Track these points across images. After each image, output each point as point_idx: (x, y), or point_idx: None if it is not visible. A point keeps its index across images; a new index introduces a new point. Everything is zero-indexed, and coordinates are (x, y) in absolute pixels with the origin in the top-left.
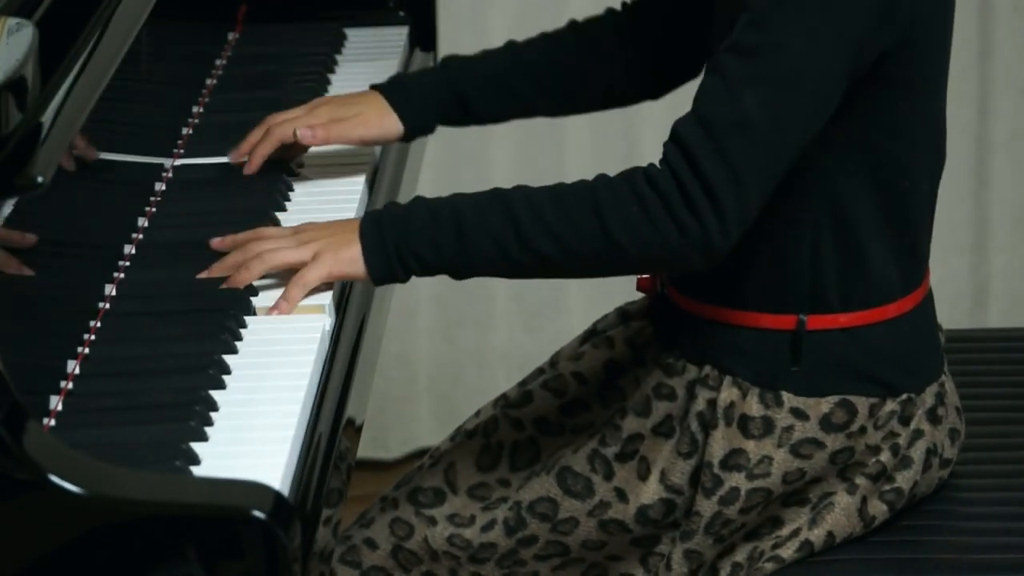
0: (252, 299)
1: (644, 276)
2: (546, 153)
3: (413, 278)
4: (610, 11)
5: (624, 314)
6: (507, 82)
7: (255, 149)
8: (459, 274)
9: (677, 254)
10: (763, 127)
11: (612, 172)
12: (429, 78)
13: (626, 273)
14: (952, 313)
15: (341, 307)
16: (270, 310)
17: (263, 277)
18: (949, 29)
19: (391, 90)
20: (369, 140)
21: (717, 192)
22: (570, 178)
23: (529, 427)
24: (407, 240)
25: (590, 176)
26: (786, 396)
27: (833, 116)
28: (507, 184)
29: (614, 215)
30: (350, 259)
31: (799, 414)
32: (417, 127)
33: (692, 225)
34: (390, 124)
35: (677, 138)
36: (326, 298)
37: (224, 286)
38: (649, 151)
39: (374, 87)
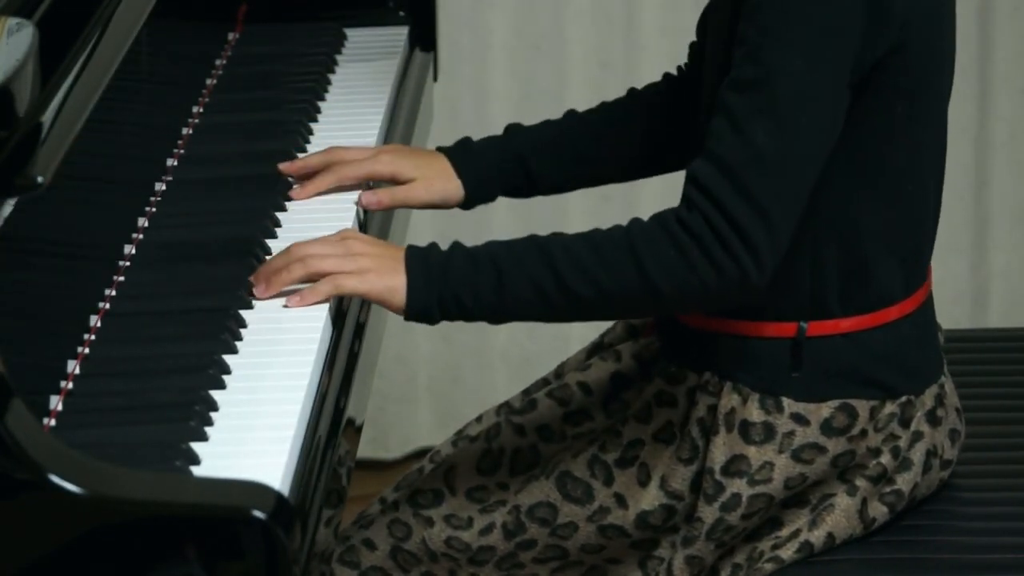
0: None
1: None
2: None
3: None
4: (667, 75)
5: (632, 328)
6: (568, 145)
7: (313, 181)
8: (496, 319)
9: (715, 294)
10: (777, 157)
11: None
12: (494, 145)
13: (665, 313)
14: (952, 313)
15: (341, 307)
16: (288, 298)
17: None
18: (948, 34)
19: (456, 153)
20: (429, 205)
21: (747, 230)
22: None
23: (531, 434)
24: (448, 284)
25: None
26: (787, 402)
27: None
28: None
29: (650, 258)
30: (393, 288)
31: (800, 419)
32: (479, 194)
33: (728, 265)
34: (452, 190)
35: (697, 183)
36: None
37: (258, 291)
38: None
39: (440, 149)
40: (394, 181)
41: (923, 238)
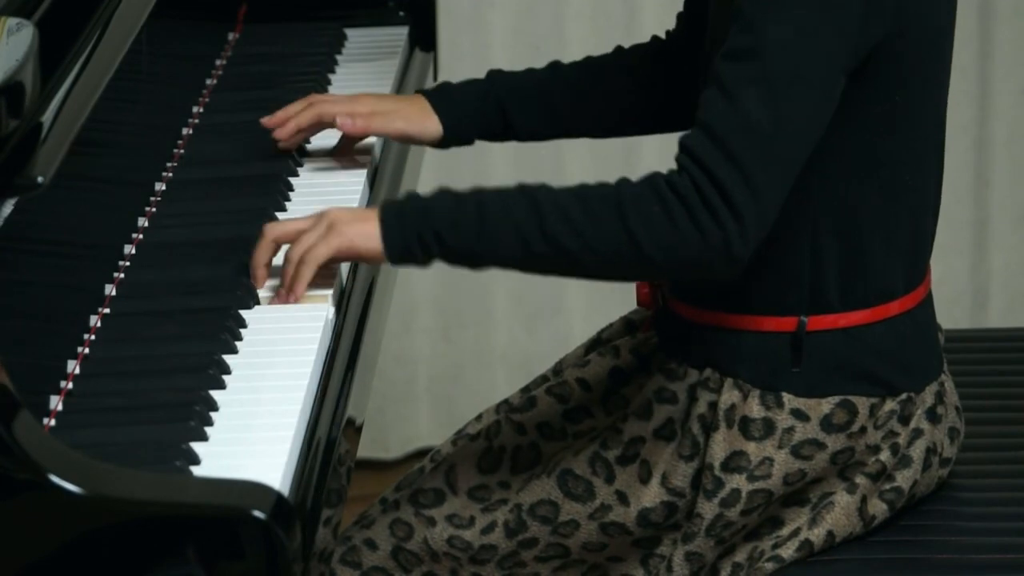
0: (257, 292)
1: (645, 290)
2: (546, 153)
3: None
4: (654, 38)
5: (630, 323)
6: (548, 98)
7: (294, 118)
8: (477, 261)
9: (697, 259)
10: (767, 127)
11: (611, 172)
12: (473, 88)
13: (648, 278)
14: (952, 313)
15: (341, 307)
16: (275, 296)
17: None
18: (946, 24)
19: (436, 94)
20: (408, 136)
21: (734, 197)
22: (569, 179)
23: (531, 432)
24: (428, 220)
25: (591, 177)
26: (787, 397)
27: None
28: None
29: (636, 216)
30: (366, 234)
31: (800, 415)
32: (456, 134)
33: (712, 230)
34: (431, 125)
35: (687, 149)
36: (328, 289)
37: (257, 283)
38: (648, 152)
39: (420, 91)
40: (374, 119)
41: (923, 233)
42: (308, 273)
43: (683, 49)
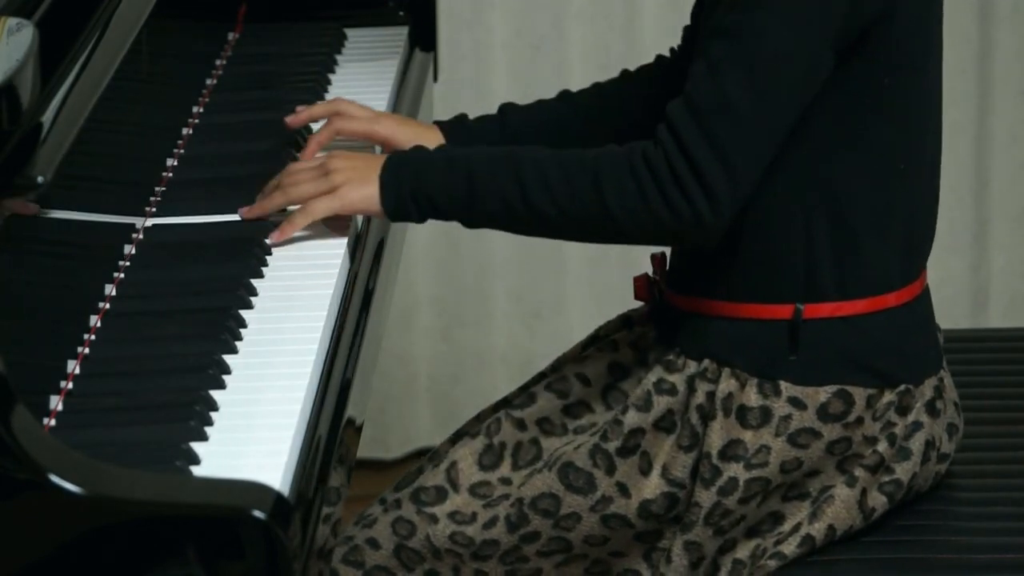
0: (256, 284)
1: (642, 284)
2: None
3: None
4: (659, 57)
5: (627, 319)
6: (561, 127)
7: (314, 137)
8: (468, 222)
9: (669, 230)
10: (747, 108)
11: None
12: (488, 123)
13: (626, 243)
14: (952, 313)
15: (341, 306)
16: (270, 236)
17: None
18: (935, 6)
19: (452, 127)
20: None
21: (705, 174)
22: None
23: (532, 427)
24: (422, 183)
25: None
26: (784, 385)
27: (818, 95)
28: None
29: (610, 185)
30: (366, 196)
31: (797, 403)
32: None
33: (682, 204)
34: None
35: (668, 120)
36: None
37: (242, 211)
38: None
39: (436, 123)
40: (388, 145)
41: (919, 224)
42: (303, 222)
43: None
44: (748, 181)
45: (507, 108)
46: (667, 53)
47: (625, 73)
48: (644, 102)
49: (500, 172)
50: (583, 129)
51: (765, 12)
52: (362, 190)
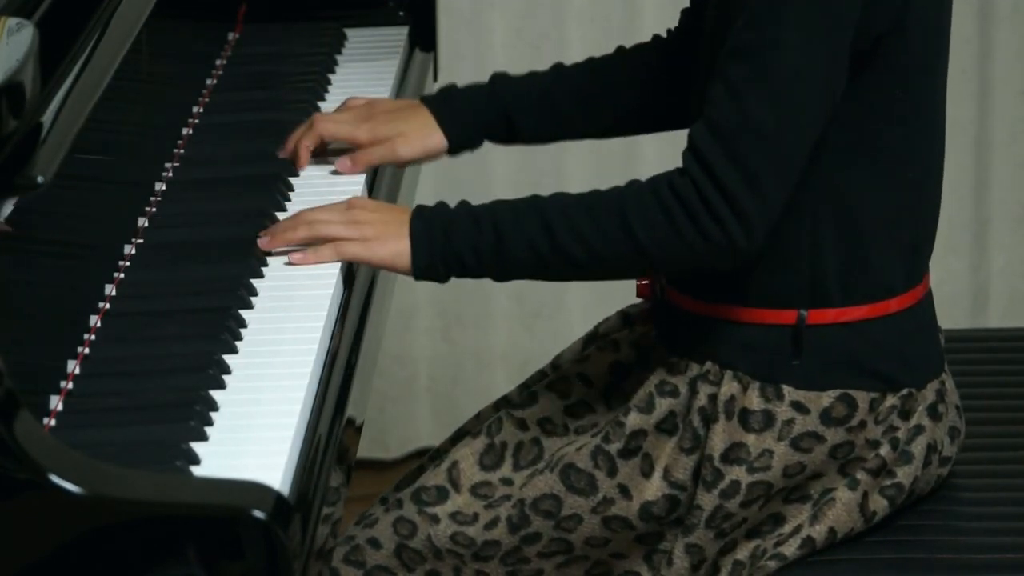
0: (258, 278)
1: (643, 283)
2: (546, 153)
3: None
4: (656, 37)
5: (626, 317)
6: (552, 100)
7: (299, 143)
8: (500, 277)
9: (704, 259)
10: (771, 126)
11: (611, 172)
12: (477, 93)
13: (658, 273)
14: (952, 313)
15: (341, 306)
16: (290, 256)
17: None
18: (944, 15)
19: (438, 103)
20: (413, 160)
21: (736, 197)
22: (570, 180)
23: (533, 427)
24: (450, 244)
25: (591, 176)
26: (787, 390)
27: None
28: (508, 184)
29: (639, 221)
30: (397, 252)
31: (799, 407)
32: (462, 143)
33: (715, 231)
34: (433, 141)
35: (692, 146)
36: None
37: (262, 243)
38: (648, 152)
39: (423, 99)
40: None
41: (923, 231)
42: (329, 259)
43: (686, 46)
44: (778, 200)
45: (498, 78)
46: None
47: (620, 49)
48: (637, 80)
49: (526, 222)
50: (572, 106)
51: (781, 29)
52: (393, 247)
